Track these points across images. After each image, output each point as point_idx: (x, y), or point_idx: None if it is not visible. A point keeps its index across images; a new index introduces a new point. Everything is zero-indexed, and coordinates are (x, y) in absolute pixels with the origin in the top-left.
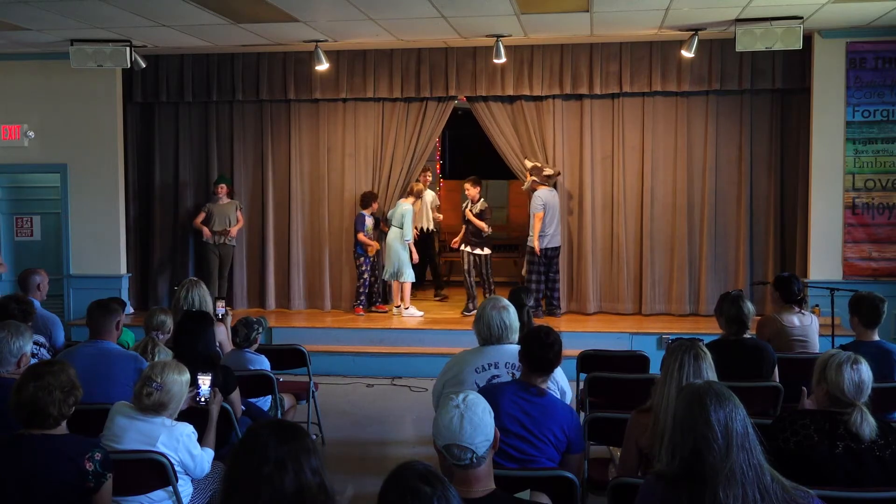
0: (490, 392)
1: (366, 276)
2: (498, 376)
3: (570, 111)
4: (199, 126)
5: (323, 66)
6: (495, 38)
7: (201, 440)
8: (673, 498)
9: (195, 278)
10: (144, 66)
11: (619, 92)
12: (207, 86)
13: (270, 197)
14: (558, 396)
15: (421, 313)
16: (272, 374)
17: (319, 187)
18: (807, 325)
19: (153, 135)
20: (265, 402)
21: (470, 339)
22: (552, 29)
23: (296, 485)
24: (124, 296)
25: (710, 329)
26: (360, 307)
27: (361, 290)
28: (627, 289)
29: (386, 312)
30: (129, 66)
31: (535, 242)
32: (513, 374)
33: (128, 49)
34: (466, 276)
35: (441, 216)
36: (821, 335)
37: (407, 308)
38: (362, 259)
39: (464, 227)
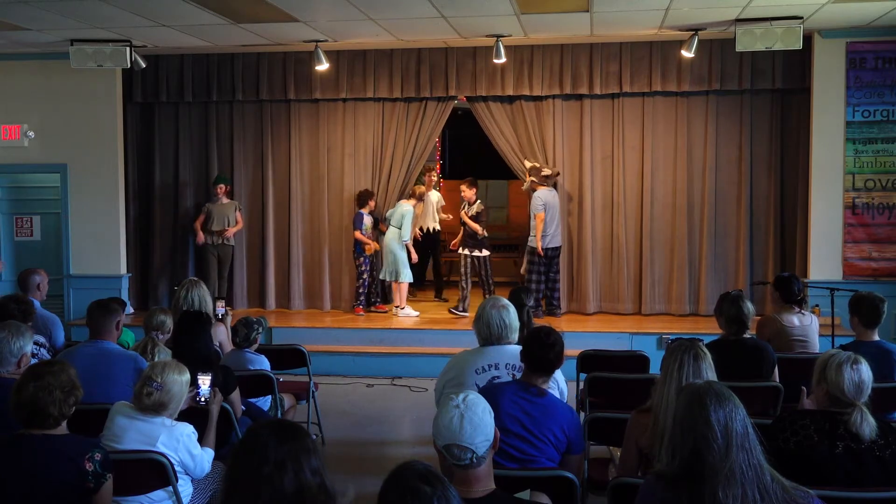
0: (490, 392)
1: (365, 275)
2: (498, 377)
3: (570, 111)
4: (199, 126)
5: (323, 66)
6: (495, 38)
7: (201, 440)
8: (673, 498)
9: (195, 278)
10: (144, 66)
11: (619, 92)
12: (207, 86)
13: (270, 197)
14: (559, 396)
15: (416, 313)
16: (272, 374)
17: (319, 187)
18: (807, 325)
19: (153, 135)
20: (265, 402)
21: (470, 339)
22: (552, 29)
23: (296, 485)
24: (124, 296)
25: (710, 329)
26: (360, 307)
27: (361, 289)
28: (627, 289)
29: (386, 312)
30: (129, 66)
31: (537, 243)
32: (513, 374)
33: (128, 49)
34: (462, 277)
35: (450, 216)
36: (821, 335)
37: (403, 308)
38: (362, 259)
39: (462, 229)
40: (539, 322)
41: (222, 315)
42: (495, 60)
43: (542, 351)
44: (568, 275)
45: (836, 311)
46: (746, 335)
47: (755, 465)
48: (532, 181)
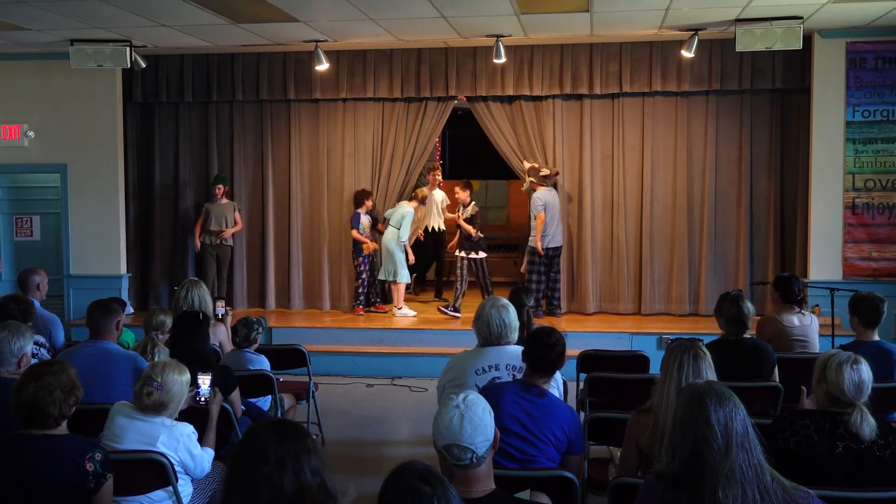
0: (491, 391)
1: (364, 275)
2: (499, 377)
3: (570, 111)
4: (199, 126)
5: (323, 66)
6: (495, 38)
7: (201, 440)
8: (673, 498)
9: (195, 278)
10: (144, 66)
11: (619, 92)
12: (207, 86)
13: (270, 197)
14: (559, 396)
15: (414, 313)
16: (272, 374)
17: (319, 187)
18: (807, 325)
19: (153, 135)
20: (265, 402)
21: (470, 339)
22: (552, 29)
23: (295, 485)
24: (124, 296)
25: (709, 329)
26: (360, 307)
27: (360, 289)
28: (627, 289)
29: (386, 313)
30: (129, 66)
31: (537, 243)
32: (514, 375)
33: (128, 49)
34: (458, 279)
35: (457, 215)
36: (821, 335)
37: (400, 308)
38: (360, 259)
39: (458, 231)
40: (539, 322)
41: (222, 315)
42: (495, 60)
43: (543, 351)
44: (568, 275)
45: (836, 311)
46: (746, 335)
47: (755, 465)
48: (531, 181)
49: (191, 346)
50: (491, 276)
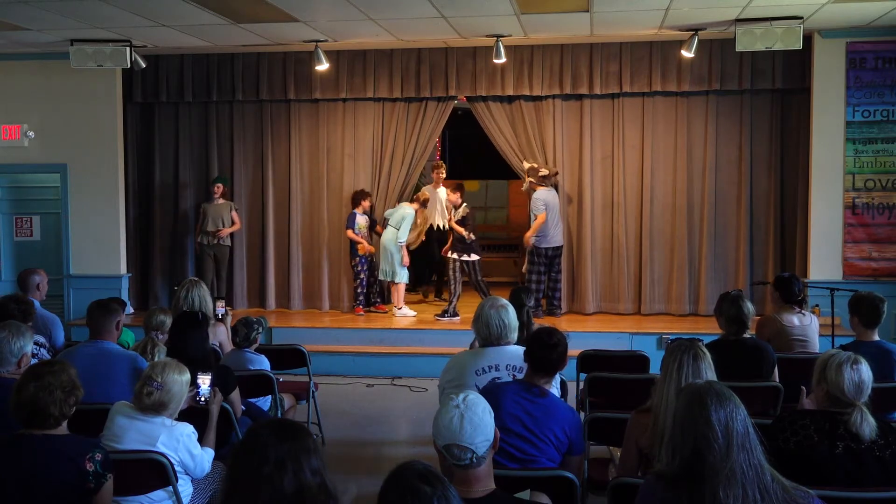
0: (492, 391)
1: (362, 275)
2: (499, 378)
3: (570, 111)
4: (199, 126)
5: (323, 66)
6: (495, 38)
7: (201, 440)
8: (673, 498)
9: (195, 278)
10: (144, 66)
11: (619, 92)
12: (207, 86)
13: (270, 197)
14: (559, 396)
15: (413, 313)
16: (272, 374)
17: (319, 187)
18: (806, 324)
19: (153, 135)
20: (265, 402)
21: (470, 339)
22: (552, 29)
23: (295, 485)
24: (124, 296)
25: (709, 329)
26: (360, 307)
27: (359, 289)
28: (627, 289)
29: (385, 313)
30: (129, 66)
31: (529, 234)
32: (514, 375)
33: (128, 49)
34: (451, 282)
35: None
36: (821, 335)
37: (400, 308)
38: (357, 259)
39: (450, 233)
40: (539, 322)
41: (222, 315)
42: (495, 60)
43: (544, 351)
44: (568, 275)
45: (836, 311)
46: (746, 335)
47: (756, 465)
48: (531, 182)
49: (190, 345)
50: (488, 277)
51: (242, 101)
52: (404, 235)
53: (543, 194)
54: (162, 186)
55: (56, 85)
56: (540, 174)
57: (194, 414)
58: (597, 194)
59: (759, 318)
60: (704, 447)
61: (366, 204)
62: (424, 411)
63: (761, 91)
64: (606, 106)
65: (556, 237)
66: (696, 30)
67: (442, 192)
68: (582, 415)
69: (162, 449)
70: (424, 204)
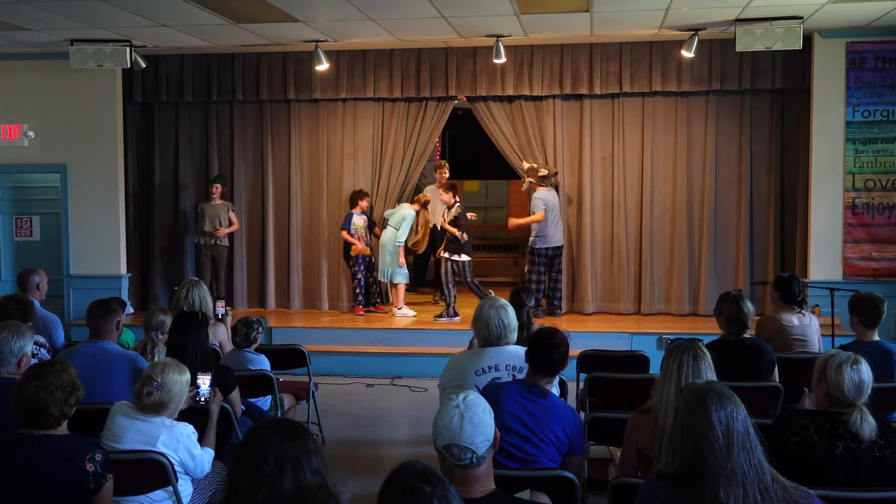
0: (494, 391)
1: (359, 276)
2: (499, 378)
3: (570, 111)
4: (199, 126)
5: (323, 66)
6: (495, 38)
7: (201, 440)
8: (673, 498)
9: (195, 278)
10: (144, 66)
11: (619, 92)
12: (207, 86)
13: (270, 197)
14: (558, 395)
15: (413, 313)
16: (272, 374)
17: (319, 187)
18: (806, 324)
19: (153, 135)
20: (265, 402)
21: (470, 339)
22: (552, 29)
23: (295, 485)
24: (124, 296)
25: (709, 329)
26: (360, 307)
27: (357, 290)
28: (627, 289)
29: (385, 313)
30: (129, 66)
31: (516, 220)
32: (514, 375)
33: (128, 49)
34: (444, 283)
35: (473, 215)
36: (822, 335)
37: (400, 308)
38: (354, 259)
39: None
40: (539, 322)
41: (222, 315)
42: (495, 60)
43: (546, 352)
44: (568, 275)
45: (836, 311)
46: (746, 335)
47: (756, 465)
48: (530, 182)
49: (190, 346)
50: (488, 277)
51: (242, 101)
52: (403, 236)
53: (543, 194)
54: (162, 186)
55: (56, 85)
56: (539, 174)
57: (194, 414)
58: (597, 194)
59: (759, 318)
60: (705, 447)
61: (363, 204)
62: (424, 411)
63: (761, 91)
64: (606, 106)
65: (557, 237)
66: (696, 30)
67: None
68: (582, 415)
69: (162, 449)
70: (425, 205)
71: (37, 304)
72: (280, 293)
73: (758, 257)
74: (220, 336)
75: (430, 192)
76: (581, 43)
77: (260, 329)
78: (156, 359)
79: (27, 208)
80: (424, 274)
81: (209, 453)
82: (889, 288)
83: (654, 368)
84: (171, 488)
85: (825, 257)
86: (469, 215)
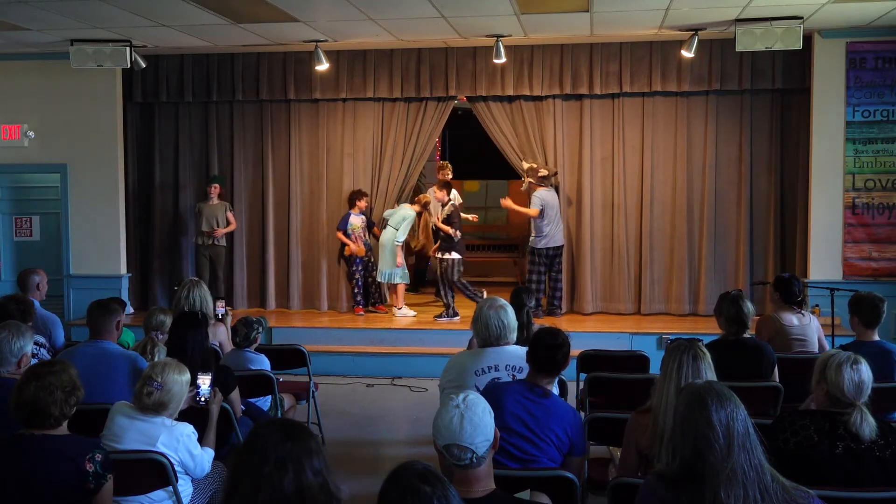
0: (495, 391)
1: (357, 276)
2: (498, 378)
3: (570, 111)
4: (199, 126)
5: (323, 66)
6: (495, 38)
7: (201, 440)
8: (673, 498)
9: (196, 278)
10: (144, 66)
11: (619, 92)
12: (207, 86)
13: (270, 197)
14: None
15: (413, 313)
16: (272, 374)
17: (319, 187)
18: (806, 324)
19: (153, 135)
20: (265, 402)
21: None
22: (552, 29)
23: (296, 485)
24: (124, 296)
25: (709, 329)
26: (360, 307)
27: (355, 290)
28: (627, 289)
29: (385, 313)
30: (129, 66)
31: (509, 201)
32: (513, 375)
33: (128, 49)
34: (439, 281)
35: (475, 217)
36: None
37: (400, 308)
38: (352, 259)
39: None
40: (539, 322)
41: (222, 315)
42: (495, 60)
43: (549, 352)
44: (568, 275)
45: (836, 311)
46: (746, 335)
47: (756, 466)
48: (530, 182)
49: (190, 345)
50: (489, 277)
51: (242, 101)
52: (402, 236)
53: (543, 194)
54: (162, 186)
55: (56, 85)
56: (539, 174)
57: (194, 414)
58: (597, 194)
59: (758, 318)
60: (705, 447)
61: (361, 204)
62: (424, 411)
63: (761, 91)
64: (606, 106)
65: (557, 237)
66: (696, 30)
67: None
68: (582, 415)
69: (162, 449)
70: (426, 206)
71: (37, 304)
72: (280, 293)
73: (758, 257)
74: (220, 336)
75: (431, 193)
76: (581, 43)
77: (260, 329)
78: (156, 359)
79: (27, 208)
80: (425, 274)
81: (209, 453)
82: (889, 288)
83: (654, 368)
84: (171, 488)
85: (825, 257)
86: (471, 217)
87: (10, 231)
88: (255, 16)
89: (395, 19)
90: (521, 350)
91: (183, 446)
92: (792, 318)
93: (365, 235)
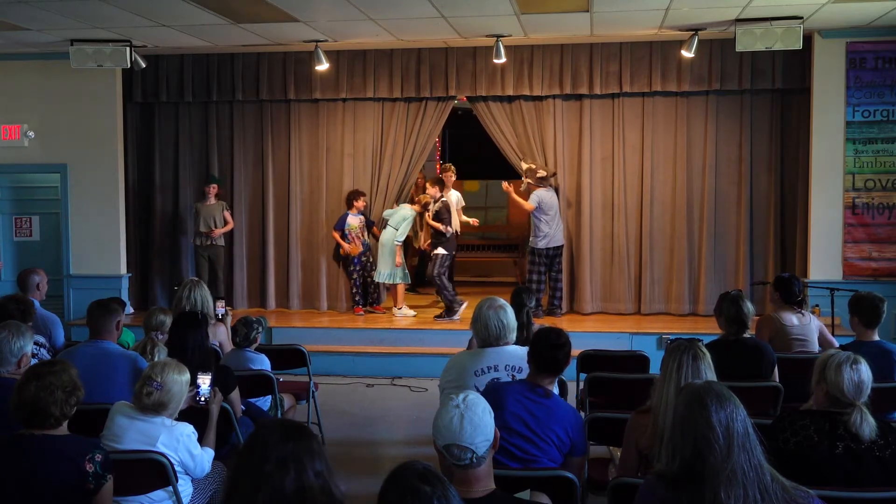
0: (496, 390)
1: (354, 276)
2: (498, 378)
3: (570, 111)
4: (199, 126)
5: (323, 66)
6: (495, 38)
7: (201, 440)
8: (673, 498)
9: (196, 278)
10: (144, 66)
11: (619, 92)
12: (207, 86)
13: (270, 197)
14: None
15: (413, 313)
16: (272, 374)
17: (318, 187)
18: (806, 324)
19: (153, 135)
20: (265, 402)
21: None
22: (552, 29)
23: (297, 485)
24: (124, 296)
25: (709, 329)
26: (360, 307)
27: (354, 289)
28: (627, 289)
29: (384, 313)
30: (129, 66)
31: (510, 184)
32: (513, 375)
33: (128, 49)
34: (435, 280)
35: (475, 221)
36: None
37: (400, 308)
38: (350, 259)
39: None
40: (539, 322)
41: (222, 315)
42: (495, 60)
43: (551, 352)
44: (568, 275)
45: (836, 311)
46: (746, 335)
47: (756, 466)
48: (528, 183)
49: (190, 346)
50: (489, 277)
51: (242, 101)
52: (402, 236)
53: (542, 193)
54: (162, 186)
55: (56, 85)
56: (538, 175)
57: (194, 414)
58: (596, 194)
59: (758, 318)
60: (705, 448)
61: (359, 204)
62: (424, 411)
63: (761, 91)
64: (606, 106)
65: (557, 237)
66: (696, 30)
67: (454, 194)
68: (582, 415)
69: (162, 449)
70: (426, 206)
71: (37, 304)
72: (280, 293)
73: (758, 257)
74: (220, 336)
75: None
76: (581, 43)
77: (260, 329)
78: (156, 359)
79: (27, 208)
80: (424, 274)
81: (209, 453)
82: (889, 288)
83: (654, 368)
84: (171, 488)
85: (825, 257)
86: (471, 221)
87: (10, 231)
88: (255, 16)
89: (395, 19)
90: (521, 350)
91: (183, 446)
92: (792, 318)
93: (364, 235)
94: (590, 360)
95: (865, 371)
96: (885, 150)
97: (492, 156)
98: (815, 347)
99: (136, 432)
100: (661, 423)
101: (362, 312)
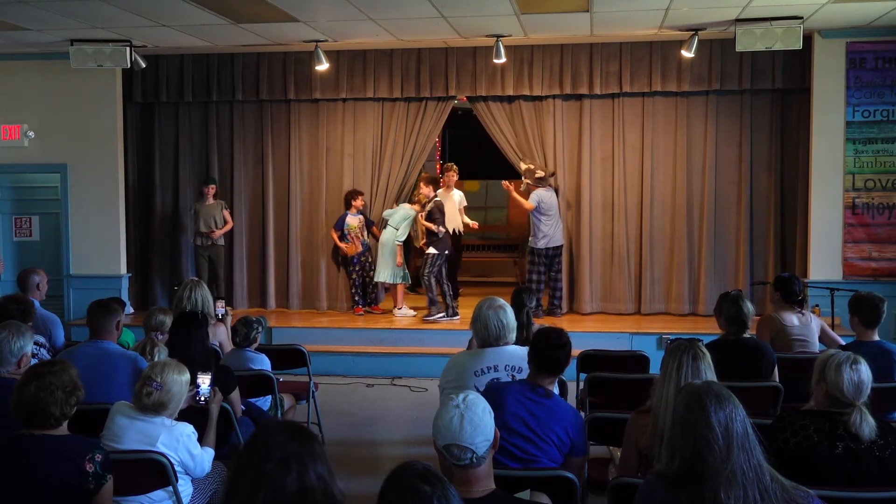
0: (496, 390)
1: (354, 276)
2: (498, 378)
3: (570, 111)
4: (199, 126)
5: (323, 66)
6: (495, 38)
7: (201, 440)
8: (673, 498)
9: (196, 278)
10: (144, 66)
11: (619, 92)
12: (207, 86)
13: (270, 197)
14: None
15: (413, 313)
16: (272, 374)
17: (318, 187)
18: (806, 324)
19: (153, 135)
20: (265, 402)
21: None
22: (552, 29)
23: (298, 486)
24: (124, 296)
25: (709, 329)
26: (360, 307)
27: (353, 289)
28: (627, 289)
29: (382, 314)
30: (129, 66)
31: (510, 183)
32: (513, 375)
33: (128, 49)
34: (423, 279)
35: (475, 224)
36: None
37: (400, 308)
38: (349, 259)
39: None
40: (539, 322)
41: (222, 315)
42: (495, 60)
43: (552, 352)
44: (568, 275)
45: (836, 311)
46: (746, 335)
47: (755, 466)
48: (527, 183)
49: (190, 345)
50: (489, 277)
51: (242, 101)
52: (402, 236)
53: (541, 193)
54: (162, 186)
55: (56, 85)
56: (536, 176)
57: (194, 414)
58: (596, 194)
59: (758, 318)
60: (705, 448)
61: (358, 203)
62: (424, 411)
63: (761, 91)
64: (606, 106)
65: (556, 237)
66: (696, 30)
67: (456, 194)
68: (582, 415)
69: (162, 449)
70: (425, 206)
71: (37, 304)
72: (280, 293)
73: (758, 257)
74: (220, 336)
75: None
76: (581, 43)
77: (260, 329)
78: (156, 359)
79: (27, 208)
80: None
81: (209, 453)
82: (889, 288)
83: (654, 368)
84: (171, 488)
85: (825, 257)
86: (471, 223)
87: (10, 231)
88: (255, 16)
89: (395, 19)
90: (521, 350)
91: (183, 446)
92: (792, 318)
93: (363, 235)
94: (590, 360)
95: (865, 371)
96: (885, 150)
97: (492, 156)
98: (816, 347)
99: (136, 432)
100: (661, 424)
101: (362, 312)
